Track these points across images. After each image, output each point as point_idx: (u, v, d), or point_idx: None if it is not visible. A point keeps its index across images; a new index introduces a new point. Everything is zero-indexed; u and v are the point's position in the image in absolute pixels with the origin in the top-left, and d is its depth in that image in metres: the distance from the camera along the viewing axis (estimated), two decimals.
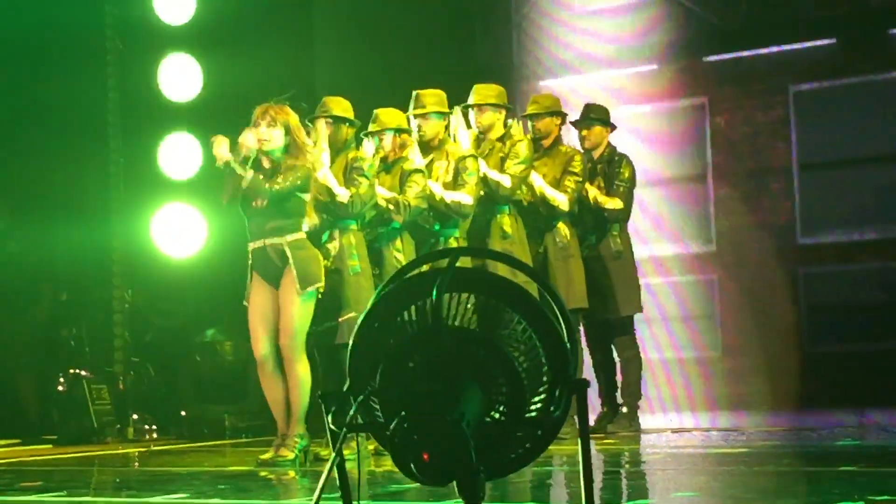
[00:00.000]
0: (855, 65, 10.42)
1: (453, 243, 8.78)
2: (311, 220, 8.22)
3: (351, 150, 8.64)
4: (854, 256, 10.38)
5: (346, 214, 8.42)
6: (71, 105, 11.65)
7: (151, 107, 11.77)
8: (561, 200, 9.45)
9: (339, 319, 8.28)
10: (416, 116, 9.01)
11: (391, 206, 8.52)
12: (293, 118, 8.10)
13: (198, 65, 11.62)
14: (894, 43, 10.41)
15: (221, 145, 7.98)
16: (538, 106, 9.76)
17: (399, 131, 8.88)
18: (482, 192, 9.03)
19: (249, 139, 7.99)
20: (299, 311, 7.98)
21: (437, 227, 8.87)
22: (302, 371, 8.01)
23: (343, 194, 8.38)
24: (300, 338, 8.00)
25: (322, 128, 8.56)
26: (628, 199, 9.94)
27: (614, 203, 9.83)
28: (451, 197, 8.74)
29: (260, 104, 8.14)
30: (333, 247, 8.41)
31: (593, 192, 9.80)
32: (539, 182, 9.39)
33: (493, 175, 9.04)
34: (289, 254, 7.98)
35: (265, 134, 8.06)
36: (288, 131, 8.04)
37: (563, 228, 9.51)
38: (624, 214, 9.95)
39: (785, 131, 10.67)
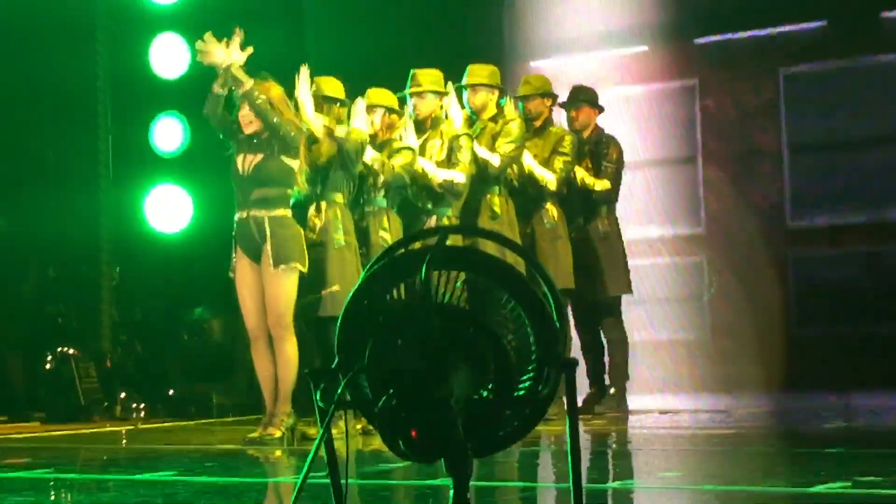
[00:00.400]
0: (845, 47, 10.41)
1: (446, 222, 8.78)
2: (301, 189, 8.20)
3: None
4: (843, 239, 10.39)
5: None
6: (61, 83, 11.63)
7: (141, 85, 11.75)
8: (549, 179, 9.44)
9: (323, 292, 8.26)
10: (412, 95, 9.00)
11: (375, 167, 8.48)
12: (275, 91, 8.07)
13: (186, 43, 11.59)
14: (884, 25, 10.41)
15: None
16: (529, 87, 9.76)
17: (389, 111, 8.87)
18: (473, 172, 9.03)
19: (219, 55, 7.99)
20: (280, 289, 7.95)
21: (430, 206, 8.86)
22: (290, 349, 8.00)
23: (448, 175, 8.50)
24: (286, 316, 7.99)
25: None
26: (616, 181, 9.95)
27: (602, 184, 9.84)
28: (443, 175, 8.74)
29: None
30: (319, 220, 8.40)
31: (581, 173, 9.80)
32: (529, 161, 9.39)
33: (483, 153, 9.04)
34: (267, 230, 7.95)
35: (248, 116, 8.06)
36: (272, 106, 8.02)
37: (551, 209, 9.51)
38: (611, 196, 9.96)
39: (775, 114, 10.67)
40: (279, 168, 8.01)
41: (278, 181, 8.01)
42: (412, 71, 9.03)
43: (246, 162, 8.05)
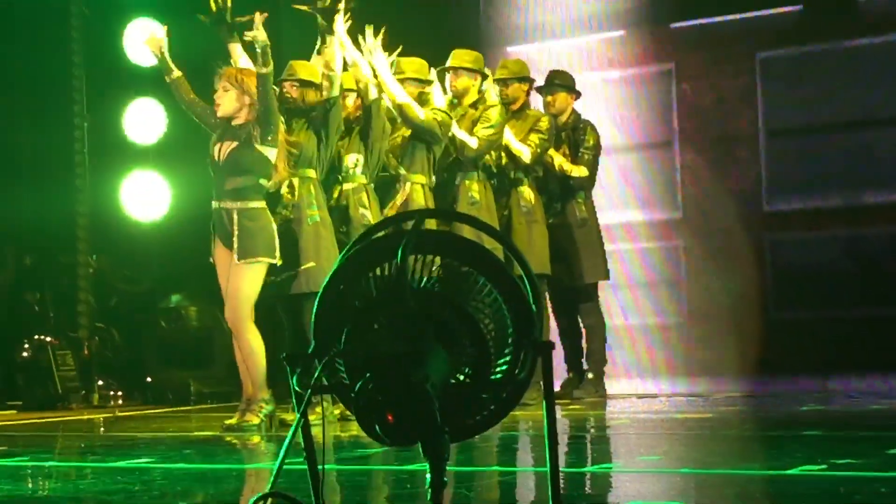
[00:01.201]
0: (821, 31, 10.42)
1: (418, 189, 8.75)
2: (280, 176, 8.18)
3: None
4: (820, 223, 10.40)
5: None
6: (36, 69, 11.60)
7: (116, 72, 11.72)
8: (524, 153, 9.44)
9: (298, 269, 8.25)
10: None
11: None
12: (249, 78, 8.03)
13: (163, 29, 11.54)
14: (861, 9, 10.42)
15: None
16: (506, 71, 9.76)
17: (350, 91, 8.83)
18: (451, 157, 9.04)
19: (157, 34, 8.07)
20: (240, 282, 7.89)
21: (401, 171, 8.82)
22: (250, 339, 7.94)
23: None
24: (243, 309, 7.91)
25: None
26: (593, 167, 9.96)
27: (579, 171, 9.85)
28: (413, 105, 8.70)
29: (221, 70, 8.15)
30: (292, 196, 8.38)
31: (559, 159, 9.81)
32: (507, 136, 9.38)
33: (461, 135, 9.03)
34: (235, 222, 7.91)
35: (218, 98, 8.06)
36: (244, 91, 8.00)
37: (526, 193, 9.51)
38: (589, 182, 9.97)
39: (751, 98, 10.68)
40: (253, 157, 7.97)
41: (252, 170, 7.97)
42: (396, 59, 9.01)
43: (222, 150, 8.03)
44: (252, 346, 7.94)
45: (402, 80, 8.89)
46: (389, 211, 8.64)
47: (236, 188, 7.95)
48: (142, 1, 11.63)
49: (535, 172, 9.65)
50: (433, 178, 8.91)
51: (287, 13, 8.90)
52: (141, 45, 8.25)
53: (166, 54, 8.25)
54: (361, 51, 8.59)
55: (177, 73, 8.24)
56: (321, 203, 8.42)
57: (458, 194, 9.15)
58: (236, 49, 8.41)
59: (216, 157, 8.03)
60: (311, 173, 8.43)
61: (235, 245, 7.86)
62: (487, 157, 9.29)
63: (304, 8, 8.48)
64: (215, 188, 8.04)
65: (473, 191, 9.15)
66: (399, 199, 8.71)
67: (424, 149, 8.81)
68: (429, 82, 9.04)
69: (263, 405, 7.99)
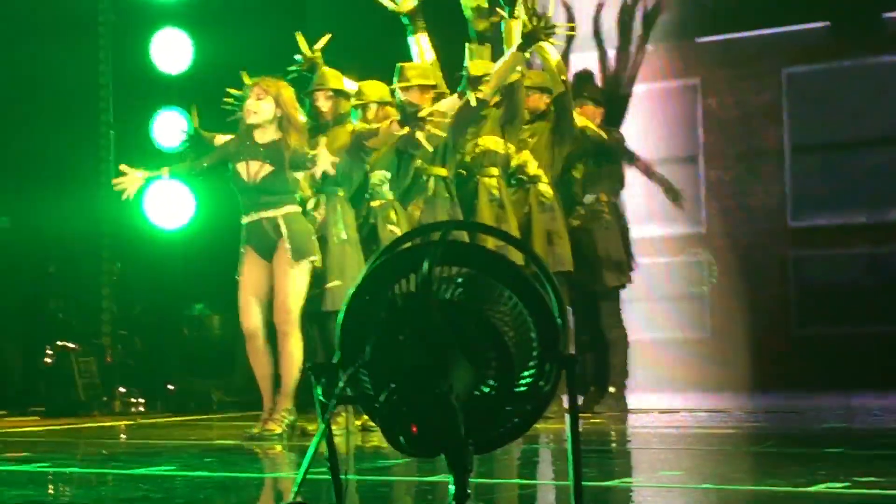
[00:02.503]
0: (848, 48, 10.40)
1: (441, 184, 8.76)
2: (303, 193, 8.24)
3: (349, 124, 8.62)
4: (844, 240, 10.37)
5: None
6: (63, 77, 11.63)
7: (143, 80, 11.75)
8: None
9: (325, 287, 8.27)
10: (400, 89, 9.00)
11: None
12: (287, 91, 8.08)
13: (189, 38, 11.59)
14: (887, 26, 10.39)
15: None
16: (528, 81, 9.75)
17: (381, 103, 8.85)
18: (468, 158, 9.07)
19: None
20: (294, 284, 7.99)
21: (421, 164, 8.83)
22: (294, 346, 8.00)
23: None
24: (295, 312, 8.01)
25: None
26: (619, 150, 9.98)
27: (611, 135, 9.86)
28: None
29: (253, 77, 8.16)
30: (319, 214, 8.41)
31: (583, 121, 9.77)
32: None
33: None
34: (283, 227, 8.00)
35: (253, 105, 8.07)
36: (279, 104, 8.03)
37: (546, 190, 9.51)
38: (619, 150, 10.03)
39: (777, 114, 10.65)
40: (287, 179, 8.06)
41: (286, 189, 8.06)
42: (398, 65, 9.04)
43: (251, 170, 8.05)
44: (293, 351, 8.00)
45: (407, 88, 8.91)
46: (414, 208, 8.64)
47: (274, 200, 8.01)
48: (170, 10, 11.66)
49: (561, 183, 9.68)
50: (454, 171, 8.91)
51: (312, 24, 8.92)
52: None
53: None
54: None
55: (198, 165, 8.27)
56: (349, 222, 8.43)
57: (477, 192, 9.16)
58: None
59: (245, 177, 8.05)
60: (339, 191, 8.45)
61: (289, 247, 7.95)
62: (505, 153, 9.28)
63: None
64: (246, 204, 8.07)
65: (492, 187, 9.17)
66: (422, 195, 8.71)
67: (443, 143, 8.77)
68: (433, 86, 9.05)
69: (286, 415, 8.00)
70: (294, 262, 7.97)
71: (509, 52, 8.77)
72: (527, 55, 8.82)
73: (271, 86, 8.06)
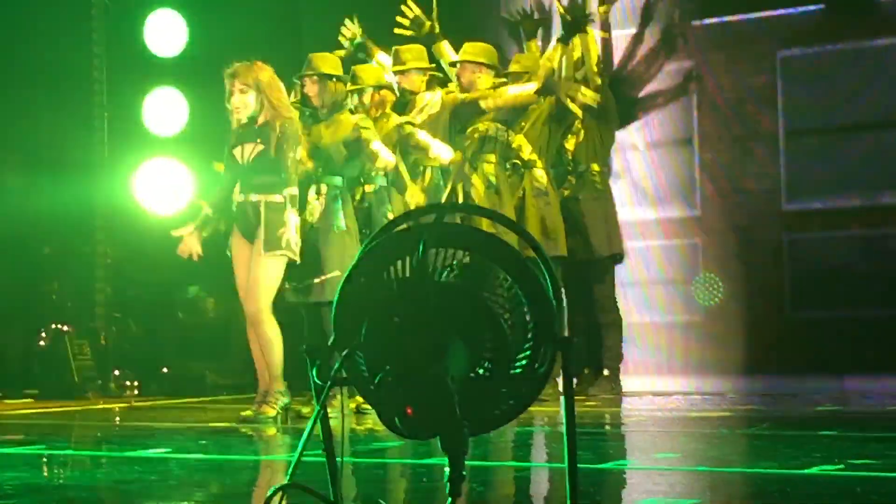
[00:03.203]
0: (842, 31, 10.39)
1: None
2: (303, 167, 8.21)
3: (346, 111, 8.58)
4: (838, 223, 10.37)
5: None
6: (56, 60, 11.60)
7: (137, 62, 11.72)
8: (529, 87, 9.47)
9: (323, 277, 8.25)
10: (395, 73, 8.99)
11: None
12: (264, 74, 8.03)
13: (183, 20, 11.56)
14: (881, 9, 10.39)
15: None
16: (518, 66, 9.78)
17: (378, 88, 8.83)
18: (467, 144, 9.09)
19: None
20: (263, 273, 7.91)
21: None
22: (269, 330, 7.95)
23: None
24: (264, 300, 7.93)
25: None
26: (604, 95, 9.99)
27: (592, 96, 9.80)
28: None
29: (239, 62, 8.11)
30: (319, 203, 8.39)
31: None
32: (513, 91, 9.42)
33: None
34: (262, 214, 7.93)
35: (238, 102, 8.03)
36: (259, 89, 8.00)
37: (540, 175, 9.51)
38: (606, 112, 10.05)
39: (771, 97, 10.65)
40: (280, 164, 8.02)
41: (277, 175, 8.00)
42: (394, 48, 9.03)
43: (245, 151, 8.04)
44: (270, 337, 7.95)
45: (404, 72, 8.91)
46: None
47: (265, 182, 7.97)
48: None
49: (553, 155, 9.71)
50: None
51: (306, 11, 8.91)
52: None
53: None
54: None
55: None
56: (348, 211, 8.42)
57: (475, 178, 9.15)
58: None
59: (240, 159, 8.04)
60: (338, 181, 8.43)
61: (262, 236, 7.88)
62: (504, 140, 9.28)
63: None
64: (242, 184, 8.05)
65: (490, 174, 9.16)
66: (424, 182, 8.71)
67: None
68: (431, 69, 9.05)
69: (280, 397, 8.00)
70: (263, 251, 7.90)
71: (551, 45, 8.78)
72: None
73: (248, 76, 8.00)
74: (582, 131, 10.00)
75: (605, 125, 9.81)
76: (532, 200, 9.42)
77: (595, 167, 10.00)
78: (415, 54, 9.00)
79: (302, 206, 8.25)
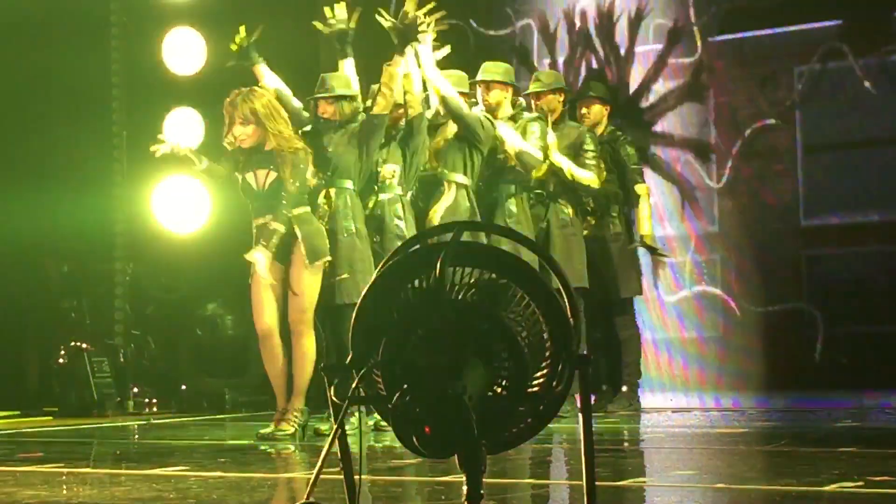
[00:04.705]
0: (860, 46, 10.38)
1: (462, 192, 8.74)
2: (311, 181, 8.25)
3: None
4: (857, 239, 10.35)
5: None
6: (75, 78, 11.63)
7: (155, 80, 11.74)
8: (590, 178, 9.47)
9: (333, 280, 8.27)
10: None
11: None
12: (260, 104, 8.07)
13: (202, 39, 11.59)
14: None
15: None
16: (539, 84, 9.75)
17: (398, 105, 8.81)
18: (488, 171, 9.05)
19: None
20: (309, 285, 8.06)
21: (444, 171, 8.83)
22: (308, 345, 8.05)
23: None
24: (310, 312, 8.07)
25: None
26: (599, 173, 9.93)
27: (587, 179, 9.72)
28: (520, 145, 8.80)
29: (237, 89, 8.18)
30: (328, 207, 8.41)
31: (566, 164, 9.67)
32: (566, 164, 9.39)
33: (525, 146, 8.95)
34: (297, 229, 8.02)
35: (240, 134, 8.10)
36: (258, 120, 8.05)
37: (565, 207, 9.51)
38: (618, 196, 9.99)
39: (789, 113, 10.64)
40: (295, 181, 8.07)
41: (295, 192, 8.07)
42: (322, 75, 8.85)
43: (259, 178, 8.10)
44: (307, 350, 8.06)
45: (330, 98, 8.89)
46: (432, 214, 8.64)
47: (285, 202, 8.02)
48: (182, 9, 11.65)
49: (573, 192, 9.64)
50: (475, 181, 8.91)
51: (324, 20, 8.89)
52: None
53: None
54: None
55: (204, 163, 8.30)
56: (357, 215, 8.43)
57: (495, 207, 9.13)
58: (260, 69, 8.58)
59: (255, 186, 8.09)
60: (348, 184, 8.45)
61: (304, 249, 7.97)
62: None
63: (385, 20, 8.54)
64: (257, 207, 8.10)
65: (511, 204, 9.12)
66: (443, 202, 8.70)
67: (465, 150, 8.79)
68: (470, 94, 9.04)
69: (299, 415, 8.02)
70: (309, 263, 8.01)
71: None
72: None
73: (244, 107, 8.06)
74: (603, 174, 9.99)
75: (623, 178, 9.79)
76: (557, 231, 9.41)
77: (614, 210, 9.98)
78: (454, 80, 8.95)
79: (312, 211, 8.29)
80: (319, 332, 8.47)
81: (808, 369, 10.31)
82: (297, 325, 8.08)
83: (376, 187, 8.63)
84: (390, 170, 8.63)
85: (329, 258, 8.12)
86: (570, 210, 9.51)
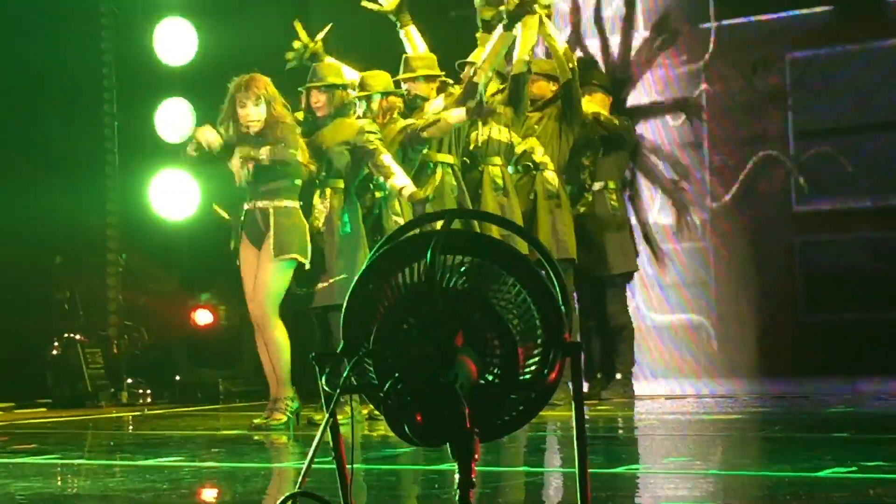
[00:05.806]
0: (851, 32, 10.37)
1: (448, 171, 8.75)
2: (307, 168, 8.22)
3: (352, 115, 8.57)
4: (849, 225, 10.35)
5: None
6: (66, 69, 11.62)
7: (146, 71, 11.74)
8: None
9: (330, 280, 8.25)
10: (405, 80, 8.98)
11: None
12: (270, 85, 8.08)
13: (193, 29, 11.58)
14: (890, 10, 10.38)
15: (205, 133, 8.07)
16: (535, 68, 9.74)
17: (385, 94, 8.82)
18: (473, 147, 9.08)
19: (209, 135, 8.03)
20: (271, 277, 7.95)
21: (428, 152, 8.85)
22: (276, 335, 7.98)
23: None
24: (270, 305, 7.96)
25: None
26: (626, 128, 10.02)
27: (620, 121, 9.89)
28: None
29: (246, 73, 8.13)
30: (324, 207, 8.39)
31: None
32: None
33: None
34: (271, 219, 7.97)
35: (254, 114, 8.04)
36: (268, 100, 8.03)
37: (551, 177, 9.51)
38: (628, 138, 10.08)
39: (781, 99, 10.64)
40: (288, 170, 8.05)
41: (285, 174, 8.03)
42: (404, 56, 9.03)
43: (251, 162, 8.07)
44: (278, 342, 7.98)
45: (414, 79, 8.90)
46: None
47: (273, 189, 8.01)
48: (172, 0, 11.64)
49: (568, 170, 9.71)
50: (459, 157, 8.93)
51: (314, 11, 8.90)
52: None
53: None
54: None
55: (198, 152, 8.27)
56: (353, 215, 8.41)
57: (482, 181, 9.15)
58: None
59: (246, 169, 8.05)
60: (343, 184, 8.44)
61: (271, 241, 7.92)
62: (508, 142, 9.26)
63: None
64: (249, 192, 8.08)
65: (497, 176, 9.16)
66: (431, 185, 8.69)
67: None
68: (441, 76, 9.04)
69: (290, 402, 8.01)
70: (274, 256, 7.94)
71: (496, 33, 8.74)
72: (515, 33, 8.72)
73: (260, 87, 8.03)
74: (600, 149, 10.03)
75: (565, 130, 9.75)
76: (543, 202, 9.42)
77: (612, 184, 10.01)
78: (426, 62, 8.98)
79: (308, 211, 8.26)
80: (311, 324, 8.47)
81: (801, 356, 10.31)
82: (256, 318, 8.02)
83: (371, 185, 8.62)
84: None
85: (297, 256, 7.99)
86: (556, 181, 9.51)
